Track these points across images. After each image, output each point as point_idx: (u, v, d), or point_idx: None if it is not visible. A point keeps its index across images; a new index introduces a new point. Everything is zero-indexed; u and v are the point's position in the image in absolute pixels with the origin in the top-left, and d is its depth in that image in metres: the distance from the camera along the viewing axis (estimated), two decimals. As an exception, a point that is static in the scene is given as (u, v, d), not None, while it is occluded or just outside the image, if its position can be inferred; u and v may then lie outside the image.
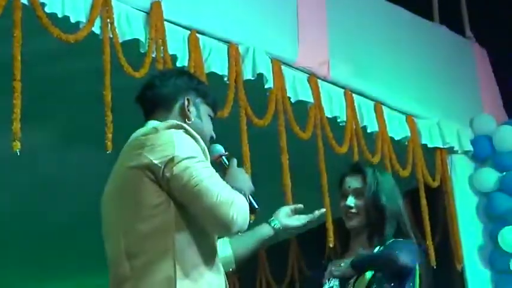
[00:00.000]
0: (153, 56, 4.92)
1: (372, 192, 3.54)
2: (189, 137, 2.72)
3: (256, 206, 2.80)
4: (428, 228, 6.51)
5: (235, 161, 2.93)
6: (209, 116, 2.96)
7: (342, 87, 6.17)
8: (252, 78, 5.49)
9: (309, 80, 5.92)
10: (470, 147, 7.16)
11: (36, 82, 5.05)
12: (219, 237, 2.85)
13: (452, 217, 6.87)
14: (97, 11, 4.73)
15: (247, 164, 5.16)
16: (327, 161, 5.76)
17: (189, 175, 2.61)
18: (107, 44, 4.75)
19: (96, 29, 4.76)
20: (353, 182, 3.60)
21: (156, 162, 2.64)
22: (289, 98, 5.73)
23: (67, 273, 9.69)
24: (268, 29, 5.78)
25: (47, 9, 4.56)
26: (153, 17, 4.98)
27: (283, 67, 5.74)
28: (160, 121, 2.81)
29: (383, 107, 6.43)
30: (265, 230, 3.21)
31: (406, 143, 6.60)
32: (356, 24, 6.46)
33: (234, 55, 5.42)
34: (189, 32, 5.23)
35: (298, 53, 5.90)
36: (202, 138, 2.77)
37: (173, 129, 2.72)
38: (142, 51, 4.95)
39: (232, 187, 2.68)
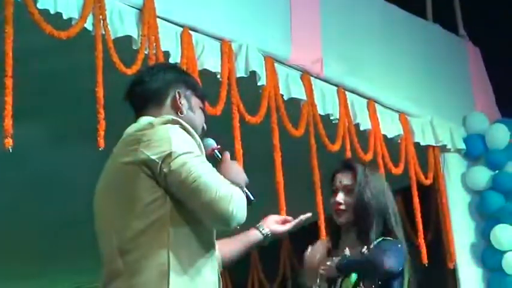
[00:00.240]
0: (146, 52, 4.91)
1: (359, 190, 3.55)
2: (184, 132, 2.71)
3: (252, 198, 2.80)
4: (420, 226, 6.52)
5: (228, 154, 2.92)
6: (200, 108, 2.96)
7: (335, 85, 6.17)
8: (245, 76, 5.48)
9: (302, 78, 5.92)
10: (462, 146, 7.17)
11: (28, 79, 5.04)
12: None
13: (444, 215, 6.88)
14: (89, 8, 4.71)
15: (239, 161, 5.15)
16: (319, 159, 5.76)
17: (187, 171, 2.61)
18: (99, 41, 4.74)
19: (88, 25, 4.75)
20: (343, 179, 3.62)
21: (153, 157, 2.63)
22: (282, 95, 5.72)
23: (61, 271, 9.69)
24: (261, 26, 5.77)
25: (39, 6, 4.54)
26: (146, 13, 4.96)
27: (276, 64, 5.73)
28: (154, 116, 2.80)
29: (376, 104, 6.43)
30: (253, 235, 3.21)
31: (399, 141, 6.61)
32: (349, 22, 6.46)
33: (227, 52, 5.41)
34: (181, 29, 5.22)
35: (292, 51, 5.90)
36: (195, 131, 2.77)
37: (169, 125, 2.71)
38: (135, 48, 4.94)
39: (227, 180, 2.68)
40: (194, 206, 2.63)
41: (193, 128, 2.77)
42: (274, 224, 3.25)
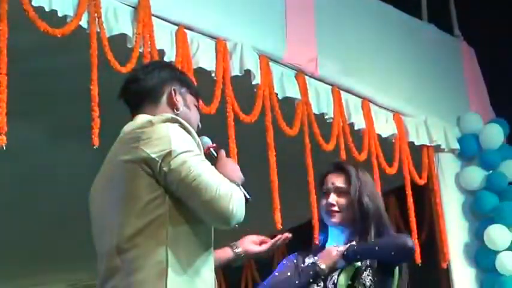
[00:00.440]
0: (141, 51, 4.90)
1: (357, 192, 3.57)
2: (184, 130, 2.72)
3: (248, 196, 2.80)
4: (414, 226, 6.52)
5: (223, 152, 2.93)
6: (195, 106, 2.96)
7: (330, 84, 6.17)
8: (240, 74, 5.48)
9: (296, 77, 5.92)
10: (457, 146, 7.18)
11: (22, 76, 5.03)
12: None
13: (438, 215, 6.89)
14: (84, 5, 4.71)
15: (234, 160, 5.15)
16: (313, 158, 5.76)
17: (187, 169, 2.61)
18: (94, 39, 4.73)
19: (83, 23, 4.74)
20: (336, 180, 3.64)
21: (153, 156, 2.64)
22: (277, 94, 5.72)
23: (56, 269, 9.67)
24: (256, 25, 5.77)
25: (34, 3, 4.52)
26: (141, 12, 4.96)
27: (270, 63, 5.73)
28: (150, 114, 2.80)
29: (370, 104, 6.44)
30: (225, 253, 3.22)
31: (393, 141, 6.61)
32: (344, 21, 6.46)
33: (221, 51, 5.40)
34: (176, 27, 5.21)
35: (286, 50, 5.90)
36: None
37: (169, 123, 2.72)
38: (130, 46, 4.93)
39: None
40: (194, 204, 2.63)
41: (189, 124, 2.78)
42: (250, 244, 3.23)
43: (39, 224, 7.84)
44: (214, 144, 2.96)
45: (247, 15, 5.72)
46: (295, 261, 3.68)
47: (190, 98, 2.95)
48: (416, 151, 6.86)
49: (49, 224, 7.83)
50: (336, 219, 3.60)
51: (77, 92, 4.94)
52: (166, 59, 5.04)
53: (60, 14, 4.64)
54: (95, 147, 4.49)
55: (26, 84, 5.31)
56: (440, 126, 7.05)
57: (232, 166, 2.86)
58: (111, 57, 4.78)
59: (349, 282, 3.47)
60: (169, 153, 2.63)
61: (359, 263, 3.49)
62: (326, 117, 6.06)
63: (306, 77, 5.97)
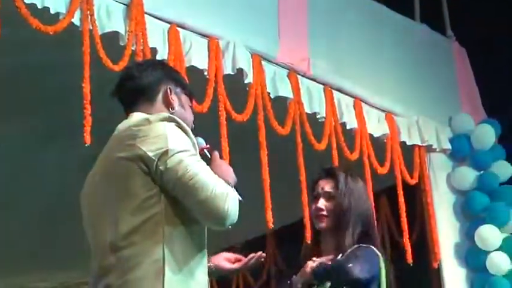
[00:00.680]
0: (133, 49, 4.89)
1: (342, 198, 3.61)
2: (180, 130, 2.72)
3: (240, 198, 2.81)
4: (405, 226, 6.53)
5: (217, 154, 2.93)
6: (189, 106, 2.96)
7: (322, 84, 6.17)
8: (232, 73, 5.48)
9: (288, 76, 5.92)
10: (448, 146, 7.19)
11: (15, 74, 5.03)
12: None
13: (429, 215, 6.89)
14: (77, 3, 4.69)
15: (226, 159, 5.15)
16: (305, 157, 5.76)
17: (184, 169, 2.62)
18: (86, 36, 4.72)
19: (75, 20, 4.73)
20: (325, 186, 3.70)
21: (150, 154, 2.64)
22: (269, 93, 5.72)
23: (47, 267, 9.64)
24: (248, 24, 5.76)
25: (26, 0, 4.52)
26: (133, 9, 4.95)
27: (263, 62, 5.73)
28: (145, 112, 2.80)
29: (362, 104, 6.44)
30: None
31: (385, 140, 6.61)
32: (337, 21, 6.46)
33: (214, 49, 5.40)
34: (169, 25, 5.21)
35: (279, 49, 5.90)
36: None
37: (165, 122, 2.72)
38: (122, 44, 4.92)
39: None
40: (190, 203, 2.64)
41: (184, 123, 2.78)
42: (223, 260, 3.19)
43: (29, 222, 7.81)
44: (208, 146, 2.96)
45: (240, 14, 5.71)
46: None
47: (184, 98, 2.95)
48: (408, 151, 6.86)
49: (39, 222, 7.81)
50: (324, 224, 3.66)
51: (68, 90, 4.94)
52: (158, 57, 5.03)
53: (52, 11, 4.62)
54: (86, 145, 4.48)
55: (17, 81, 5.30)
56: (432, 126, 7.06)
57: (225, 167, 2.87)
58: (103, 55, 4.77)
59: None
60: (165, 152, 2.64)
61: (329, 283, 3.51)
62: (318, 116, 6.06)
63: (298, 76, 5.97)
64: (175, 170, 2.62)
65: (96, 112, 4.56)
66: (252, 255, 3.19)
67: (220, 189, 2.63)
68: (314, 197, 3.72)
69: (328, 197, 3.66)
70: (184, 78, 3.06)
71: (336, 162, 5.85)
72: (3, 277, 9.49)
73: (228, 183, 2.72)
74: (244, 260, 3.19)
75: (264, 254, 3.21)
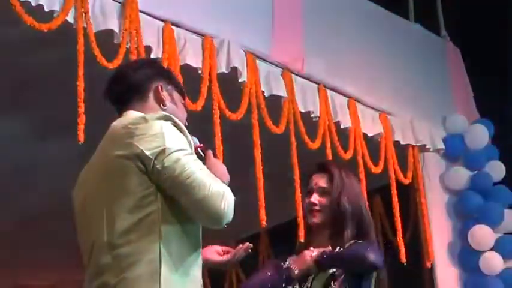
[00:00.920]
0: (127, 47, 4.89)
1: (337, 193, 3.60)
2: (176, 129, 2.72)
3: (233, 197, 2.81)
4: (399, 225, 6.54)
5: (211, 153, 2.93)
6: (182, 103, 2.97)
7: (316, 83, 6.17)
8: (226, 72, 5.48)
9: (283, 75, 5.92)
10: (442, 145, 7.20)
11: (8, 71, 5.02)
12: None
13: (423, 214, 6.90)
14: (71, 1, 4.69)
15: (220, 157, 5.15)
16: (299, 156, 5.76)
17: (181, 167, 2.62)
18: (80, 34, 4.71)
19: (70, 18, 4.72)
20: (319, 181, 3.68)
21: (147, 153, 2.64)
22: (263, 92, 5.72)
23: (38, 264, 9.63)
24: (243, 22, 5.76)
25: (21, -2, 4.52)
26: (128, 7, 4.94)
27: (257, 61, 5.73)
28: (138, 110, 2.81)
29: (356, 103, 6.44)
30: None
31: (379, 140, 6.62)
32: (331, 20, 6.47)
33: (208, 48, 5.40)
34: (163, 23, 5.21)
35: (273, 48, 5.90)
36: None
37: (162, 121, 2.71)
38: (116, 42, 4.92)
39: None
40: (187, 202, 2.64)
41: None
42: (212, 253, 3.19)
43: (21, 219, 7.81)
44: (202, 144, 2.96)
45: (234, 13, 5.71)
46: (276, 262, 3.69)
47: (176, 95, 2.96)
48: (402, 150, 6.87)
49: (31, 219, 7.80)
50: (316, 219, 3.65)
51: (62, 87, 4.93)
52: (153, 55, 5.03)
53: (46, 9, 4.62)
54: (80, 143, 4.48)
55: (11, 79, 5.29)
56: (425, 126, 7.07)
57: (219, 166, 2.87)
58: (97, 52, 4.76)
59: None
60: (163, 151, 2.64)
61: (332, 270, 3.51)
62: (312, 115, 6.07)
63: (293, 75, 5.97)
64: (173, 168, 2.62)
65: (90, 110, 4.56)
66: (240, 246, 3.18)
67: (217, 188, 2.64)
68: (307, 192, 3.71)
69: (322, 192, 3.66)
70: (176, 75, 3.06)
71: (330, 162, 5.86)
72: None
73: (222, 182, 2.72)
74: (233, 251, 3.18)
75: (251, 245, 3.21)
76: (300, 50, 6.08)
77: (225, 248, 3.22)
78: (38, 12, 4.59)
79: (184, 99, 3.01)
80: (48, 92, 5.80)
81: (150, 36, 5.08)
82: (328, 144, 6.03)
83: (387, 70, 6.89)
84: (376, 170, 6.45)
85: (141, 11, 5.03)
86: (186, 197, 2.63)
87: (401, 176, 6.72)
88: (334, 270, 3.51)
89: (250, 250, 3.18)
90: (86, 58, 4.68)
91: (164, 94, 2.89)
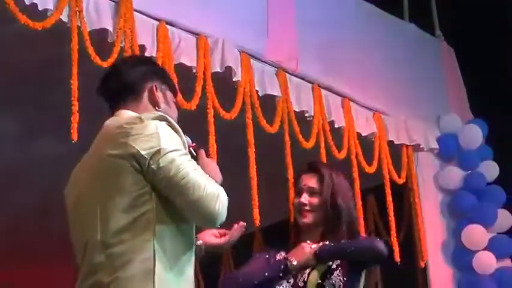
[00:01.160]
0: (122, 45, 4.88)
1: (329, 193, 3.61)
2: (171, 129, 2.72)
3: (227, 198, 2.81)
4: (393, 225, 6.54)
5: (203, 152, 2.94)
6: (174, 102, 2.97)
7: (310, 82, 6.17)
8: (221, 71, 5.47)
9: (277, 74, 5.92)
10: (436, 145, 7.20)
11: (2, 70, 5.00)
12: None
13: (417, 214, 6.90)
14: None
15: (214, 156, 5.14)
16: (293, 155, 5.76)
17: (176, 168, 2.63)
18: (74, 33, 4.70)
19: (64, 17, 4.71)
20: (308, 181, 3.69)
21: (142, 153, 2.64)
22: (257, 91, 5.72)
23: (29, 262, 9.62)
24: (237, 22, 5.76)
25: (14, -4, 4.50)
26: (122, 6, 4.94)
27: (251, 60, 5.73)
28: (132, 110, 2.80)
29: (351, 102, 6.44)
30: None
31: (373, 139, 6.62)
32: (325, 20, 6.46)
33: (202, 47, 5.39)
34: (158, 22, 5.20)
35: (267, 47, 5.89)
36: None
37: (157, 121, 2.71)
38: (111, 41, 4.91)
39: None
40: (182, 203, 2.64)
41: None
42: (210, 236, 3.21)
43: (15, 217, 7.80)
44: (194, 144, 2.96)
45: (228, 12, 5.71)
46: (267, 256, 3.71)
47: (169, 95, 2.96)
48: (396, 150, 6.87)
49: (24, 217, 7.79)
50: (306, 219, 3.67)
51: (56, 86, 4.92)
52: (147, 54, 5.02)
53: (40, 8, 4.60)
54: (73, 141, 4.47)
55: (4, 76, 5.28)
56: (419, 125, 7.07)
57: (212, 165, 2.88)
58: (92, 51, 4.76)
59: (319, 281, 3.51)
60: (158, 151, 2.64)
61: (330, 263, 3.52)
62: (306, 115, 6.07)
63: (287, 75, 5.97)
64: (168, 169, 2.63)
65: (84, 108, 4.55)
66: (235, 226, 3.20)
67: (212, 189, 2.64)
68: (297, 192, 3.72)
69: (312, 192, 3.67)
70: (169, 74, 3.05)
71: (324, 161, 5.86)
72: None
73: (216, 182, 2.72)
74: (230, 232, 3.20)
75: (244, 223, 3.21)
76: (295, 50, 6.08)
77: (221, 231, 3.23)
78: (32, 11, 4.58)
79: (176, 97, 3.01)
80: (42, 90, 5.79)
81: (145, 35, 5.07)
82: (323, 144, 6.03)
83: (381, 70, 6.89)
84: (370, 169, 6.45)
85: (135, 10, 5.03)
86: (181, 198, 2.63)
87: (395, 176, 6.72)
88: (331, 263, 3.52)
89: (244, 229, 3.20)
90: (80, 57, 4.67)
91: (158, 95, 2.90)
